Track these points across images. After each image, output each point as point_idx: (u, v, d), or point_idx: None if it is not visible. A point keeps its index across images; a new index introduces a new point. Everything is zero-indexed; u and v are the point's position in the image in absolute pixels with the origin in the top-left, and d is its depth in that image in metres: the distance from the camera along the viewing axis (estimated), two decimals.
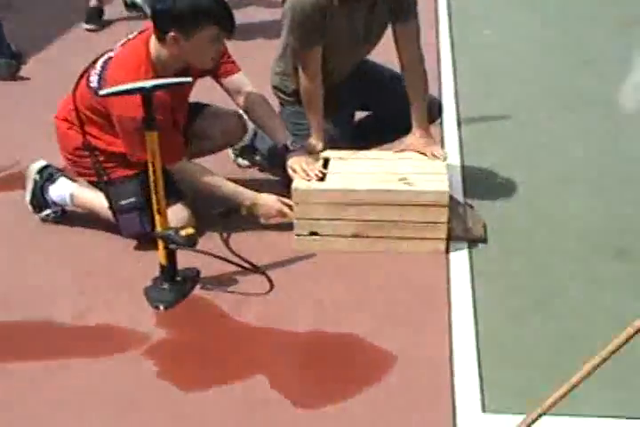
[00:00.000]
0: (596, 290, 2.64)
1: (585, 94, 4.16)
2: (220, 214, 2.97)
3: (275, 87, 3.15)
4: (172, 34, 2.66)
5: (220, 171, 3.01)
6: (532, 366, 2.32)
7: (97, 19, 5.33)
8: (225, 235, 2.89)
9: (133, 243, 2.90)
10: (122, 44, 2.84)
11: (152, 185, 2.50)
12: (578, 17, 5.39)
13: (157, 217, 2.56)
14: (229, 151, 3.40)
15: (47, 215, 3.08)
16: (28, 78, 4.51)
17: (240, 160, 3.43)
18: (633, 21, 5.23)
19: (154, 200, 2.53)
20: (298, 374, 2.33)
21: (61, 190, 3.06)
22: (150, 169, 2.48)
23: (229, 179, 2.92)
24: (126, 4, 5.62)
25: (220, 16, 2.68)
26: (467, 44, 4.92)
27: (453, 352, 2.36)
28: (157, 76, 2.66)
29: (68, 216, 3.10)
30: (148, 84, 2.39)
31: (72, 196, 3.03)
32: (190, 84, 2.84)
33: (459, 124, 3.84)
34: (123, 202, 2.86)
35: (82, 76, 2.87)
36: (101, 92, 2.36)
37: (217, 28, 2.68)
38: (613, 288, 2.65)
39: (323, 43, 2.87)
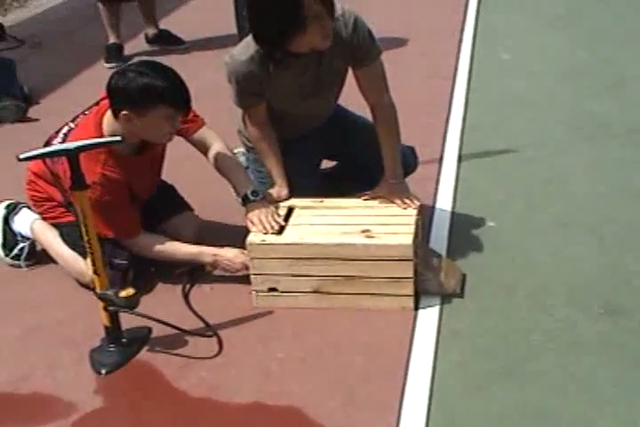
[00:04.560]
0: (573, 356, 2.37)
1: (604, 123, 3.87)
2: (183, 273, 2.84)
3: (239, 132, 3.00)
4: (124, 112, 2.59)
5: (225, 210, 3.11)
6: None
7: (117, 56, 5.23)
8: (186, 293, 2.77)
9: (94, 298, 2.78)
10: (83, 114, 2.79)
11: (87, 246, 2.37)
12: (611, 37, 5.07)
13: (95, 278, 2.43)
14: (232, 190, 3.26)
15: (17, 255, 3.02)
16: (36, 120, 4.44)
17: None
18: None
19: (89, 261, 2.41)
20: None
21: (24, 221, 3.05)
22: (83, 230, 2.35)
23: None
24: (147, 39, 5.58)
25: (173, 97, 2.59)
26: (485, 70, 4.67)
27: None
28: (113, 153, 2.65)
29: (38, 257, 3.04)
30: (72, 145, 2.27)
31: (32, 229, 3.02)
32: (153, 157, 2.84)
33: (459, 160, 3.61)
34: (117, 261, 2.78)
35: (47, 143, 2.79)
36: (22, 156, 2.24)
37: (170, 107, 2.60)
38: (593, 354, 2.38)
39: (262, 102, 2.78)
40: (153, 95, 2.55)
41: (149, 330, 2.59)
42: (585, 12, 5.59)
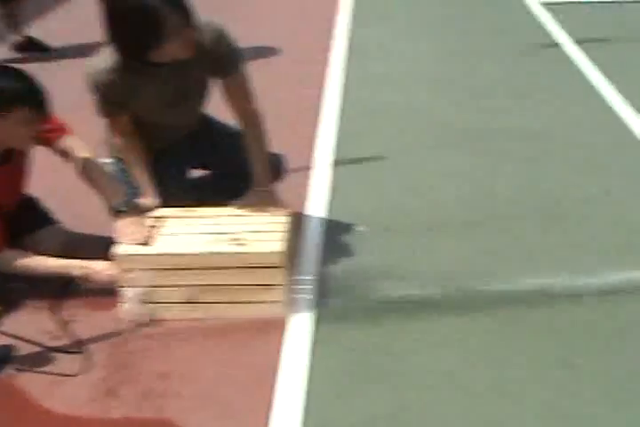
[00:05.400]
0: (441, 355, 2.44)
1: (467, 131, 4.01)
2: (55, 289, 2.74)
3: (105, 142, 2.93)
4: None
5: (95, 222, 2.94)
6: None
7: None
8: (56, 307, 2.67)
9: None
10: None
11: None
12: (477, 48, 5.29)
13: None
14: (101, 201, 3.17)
15: None
16: None
17: None
18: (529, 51, 5.16)
19: None
20: None
21: None
22: None
23: None
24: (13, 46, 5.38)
25: (27, 97, 2.53)
26: (356, 78, 4.77)
27: None
28: None
29: None
30: None
31: None
32: (16, 168, 2.74)
33: (331, 167, 3.65)
34: None
35: None
36: None
37: (28, 110, 2.53)
38: (457, 351, 2.45)
39: (125, 111, 2.74)
40: (8, 98, 2.49)
41: (11, 348, 2.50)
42: (454, 25, 5.81)
